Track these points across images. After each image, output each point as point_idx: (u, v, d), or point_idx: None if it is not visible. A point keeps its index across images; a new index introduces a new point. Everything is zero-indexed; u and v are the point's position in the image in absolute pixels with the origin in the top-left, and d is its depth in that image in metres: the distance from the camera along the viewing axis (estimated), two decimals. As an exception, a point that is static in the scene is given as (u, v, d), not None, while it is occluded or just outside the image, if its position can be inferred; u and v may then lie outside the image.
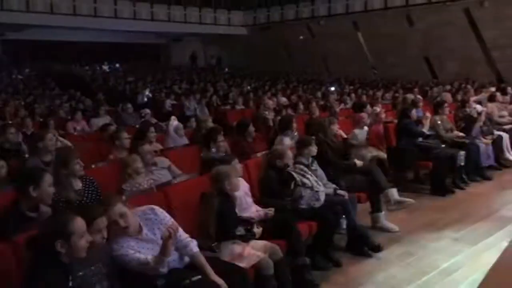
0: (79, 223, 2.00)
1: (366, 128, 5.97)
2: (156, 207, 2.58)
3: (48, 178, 2.64)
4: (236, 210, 3.15)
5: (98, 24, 19.19)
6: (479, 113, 6.66)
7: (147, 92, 12.92)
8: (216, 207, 2.92)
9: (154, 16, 21.15)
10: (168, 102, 11.14)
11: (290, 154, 3.82)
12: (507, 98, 8.33)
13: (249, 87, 15.82)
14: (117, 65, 22.81)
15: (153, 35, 24.06)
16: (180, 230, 2.54)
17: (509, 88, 9.34)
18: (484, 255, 3.63)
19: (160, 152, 4.55)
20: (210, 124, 5.50)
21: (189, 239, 2.58)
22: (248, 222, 3.14)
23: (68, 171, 3.03)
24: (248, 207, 3.39)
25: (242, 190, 3.34)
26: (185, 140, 5.75)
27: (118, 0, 19.89)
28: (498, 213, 4.65)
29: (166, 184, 3.48)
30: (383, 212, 4.36)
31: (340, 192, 3.95)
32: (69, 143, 4.97)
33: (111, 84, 15.61)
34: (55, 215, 2.42)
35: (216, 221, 2.89)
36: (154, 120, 7.45)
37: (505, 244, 3.75)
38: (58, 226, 1.98)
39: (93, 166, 3.94)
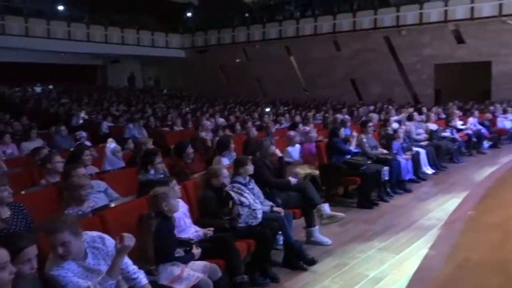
0: (0, 254, 1.89)
1: (298, 145, 6.26)
2: (107, 237, 2.50)
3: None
4: (175, 232, 3.15)
5: (29, 44, 18.24)
6: (395, 131, 7.26)
7: (82, 114, 12.40)
8: (154, 229, 2.90)
9: (90, 37, 20.53)
10: (105, 124, 10.78)
11: (226, 172, 3.88)
12: (423, 117, 9.22)
13: (187, 109, 15.81)
14: (51, 86, 21.55)
15: (89, 56, 23.27)
16: (129, 260, 2.49)
17: (424, 109, 10.33)
18: (407, 263, 3.93)
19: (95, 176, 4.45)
20: (150, 146, 5.41)
21: (137, 270, 2.53)
22: (187, 243, 3.14)
23: (-5, 199, 2.88)
24: (187, 228, 3.40)
25: (181, 211, 3.35)
26: (122, 163, 5.66)
27: (52, 20, 19.11)
28: (418, 222, 5.04)
29: (103, 208, 3.41)
30: (316, 227, 4.52)
31: (276, 209, 4.06)
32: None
33: (43, 106, 14.81)
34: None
35: (154, 243, 2.87)
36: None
37: (425, 251, 4.17)
38: None
39: (23, 192, 3.76)
